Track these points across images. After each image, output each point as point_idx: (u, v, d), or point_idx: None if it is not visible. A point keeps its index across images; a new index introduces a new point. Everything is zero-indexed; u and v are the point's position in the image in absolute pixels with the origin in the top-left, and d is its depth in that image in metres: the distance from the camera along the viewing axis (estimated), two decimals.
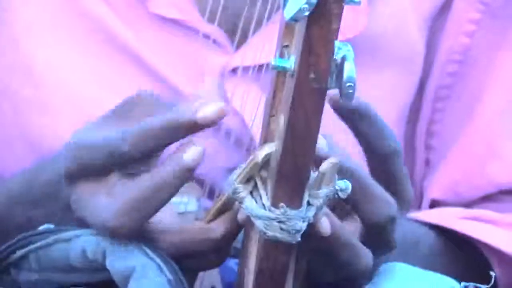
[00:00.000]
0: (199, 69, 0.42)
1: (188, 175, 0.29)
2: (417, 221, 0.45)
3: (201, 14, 0.43)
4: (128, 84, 0.39)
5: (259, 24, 0.43)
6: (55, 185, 0.34)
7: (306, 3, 0.25)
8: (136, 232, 0.30)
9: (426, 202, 0.49)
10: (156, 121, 0.29)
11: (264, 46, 0.32)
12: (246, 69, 0.41)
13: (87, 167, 0.30)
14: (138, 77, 0.41)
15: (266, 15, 0.41)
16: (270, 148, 0.30)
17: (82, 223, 0.31)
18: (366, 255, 0.31)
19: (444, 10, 0.47)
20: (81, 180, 0.30)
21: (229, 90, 0.41)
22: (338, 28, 0.27)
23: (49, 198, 0.36)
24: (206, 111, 0.28)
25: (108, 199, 0.29)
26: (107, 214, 0.29)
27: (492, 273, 0.36)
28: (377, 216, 0.32)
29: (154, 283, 0.30)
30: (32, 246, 0.31)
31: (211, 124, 0.29)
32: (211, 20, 0.43)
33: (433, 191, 0.48)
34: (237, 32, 0.43)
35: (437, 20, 0.47)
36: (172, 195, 0.29)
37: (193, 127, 0.29)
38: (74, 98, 0.40)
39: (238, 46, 0.44)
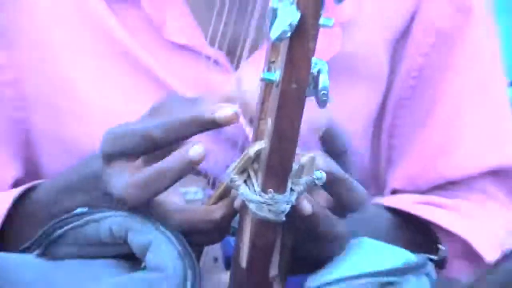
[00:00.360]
0: (204, 85, 0.47)
1: (190, 166, 0.35)
2: (379, 205, 0.51)
3: (205, 37, 0.49)
4: (148, 97, 0.45)
5: (254, 47, 0.48)
6: (93, 178, 0.40)
7: (289, 26, 0.31)
8: (143, 205, 0.36)
9: (387, 191, 0.55)
10: (184, 115, 0.35)
11: (258, 65, 0.38)
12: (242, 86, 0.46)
13: (121, 149, 0.36)
14: (156, 92, 0.46)
15: (260, 40, 0.47)
16: (260, 145, 0.35)
17: (112, 205, 0.38)
18: (339, 224, 0.37)
19: (404, 35, 0.52)
20: (114, 161, 0.36)
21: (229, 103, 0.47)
22: (315, 46, 0.32)
23: (88, 188, 0.41)
24: (224, 112, 0.34)
25: (128, 176, 0.35)
26: (122, 186, 0.35)
27: (441, 246, 0.42)
28: (352, 199, 0.38)
29: (166, 254, 0.36)
30: (69, 226, 0.38)
31: (226, 123, 0.35)
32: (212, 43, 0.48)
33: (393, 183, 0.55)
34: (235, 54, 0.49)
35: (399, 44, 0.53)
36: (174, 181, 0.35)
37: (212, 124, 0.34)
38: (103, 110, 0.46)
39: (237, 66, 0.49)
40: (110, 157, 0.37)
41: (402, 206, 0.52)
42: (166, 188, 0.35)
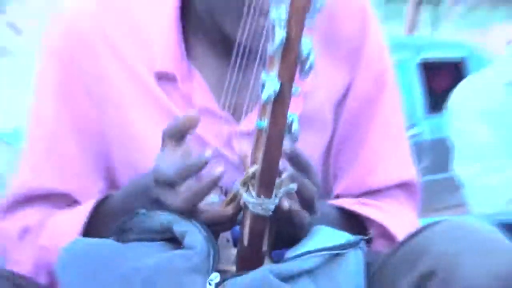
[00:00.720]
0: (216, 133, 0.66)
1: (217, 181, 0.54)
2: (330, 205, 0.71)
3: (217, 103, 0.67)
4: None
5: (249, 109, 0.66)
6: (145, 190, 0.59)
7: (273, 92, 0.49)
8: (189, 211, 0.55)
9: (333, 196, 0.75)
10: (201, 163, 0.55)
11: (253, 120, 0.55)
12: (243, 133, 0.66)
13: (167, 179, 0.55)
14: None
15: (252, 104, 0.65)
16: (255, 168, 0.52)
17: (159, 208, 0.57)
18: (306, 216, 0.57)
19: (343, 98, 0.72)
20: (163, 184, 0.56)
21: (235, 144, 0.66)
22: (289, 105, 0.50)
23: (142, 197, 0.60)
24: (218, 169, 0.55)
25: (177, 196, 0.55)
26: (175, 201, 0.55)
27: (370, 234, 0.63)
28: (313, 195, 0.57)
29: (197, 238, 0.55)
30: (133, 221, 0.58)
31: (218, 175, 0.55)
32: (223, 106, 0.67)
33: (337, 190, 0.74)
34: (237, 113, 0.67)
35: (339, 105, 0.72)
36: (208, 193, 0.55)
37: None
38: (157, 148, 0.60)
39: (238, 121, 0.68)
40: (159, 181, 0.57)
41: (344, 205, 0.72)
42: (202, 200, 0.55)
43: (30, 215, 0.69)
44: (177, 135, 0.57)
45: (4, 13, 8.05)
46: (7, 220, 0.70)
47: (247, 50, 0.62)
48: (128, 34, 0.68)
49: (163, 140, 0.57)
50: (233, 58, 0.62)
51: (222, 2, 0.63)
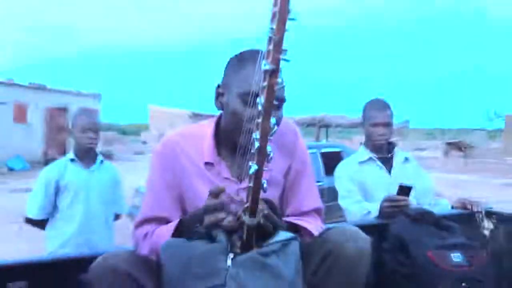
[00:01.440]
0: (231, 188, 1.30)
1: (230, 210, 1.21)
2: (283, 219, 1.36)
3: (230, 173, 1.33)
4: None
5: (245, 176, 1.26)
6: (199, 217, 1.22)
7: (254, 170, 1.14)
8: (218, 224, 1.20)
9: (285, 215, 1.40)
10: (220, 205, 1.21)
11: (247, 182, 1.25)
12: (242, 188, 1.28)
13: (211, 192, 1.20)
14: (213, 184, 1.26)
15: (247, 174, 1.33)
16: (247, 205, 1.17)
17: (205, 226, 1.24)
18: (271, 226, 1.20)
19: (288, 169, 1.40)
20: (209, 196, 1.21)
21: (239, 193, 1.29)
22: (262, 175, 1.15)
23: (198, 220, 1.23)
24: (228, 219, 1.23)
25: (213, 218, 1.20)
26: (212, 220, 1.20)
27: (302, 233, 1.32)
28: (274, 217, 1.26)
29: (222, 237, 1.19)
30: (194, 232, 1.24)
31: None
32: (233, 175, 1.32)
33: (286, 212, 1.40)
34: (240, 178, 1.32)
35: (287, 172, 1.39)
36: (226, 216, 1.21)
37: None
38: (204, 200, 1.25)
39: (241, 182, 1.33)
40: (206, 211, 1.21)
41: (290, 220, 1.37)
42: (224, 219, 1.20)
43: (148, 227, 1.36)
44: (215, 193, 1.21)
45: (139, 135, 32.56)
46: (138, 230, 1.37)
47: (244, 149, 1.24)
48: (192, 145, 1.36)
49: (209, 195, 1.22)
50: (237, 153, 1.28)
51: (234, 128, 1.30)
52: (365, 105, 2.51)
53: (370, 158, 2.49)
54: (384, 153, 2.50)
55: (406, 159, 2.53)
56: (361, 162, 2.49)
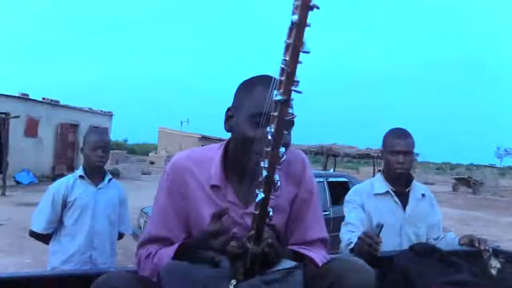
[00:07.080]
0: (236, 213, 1.30)
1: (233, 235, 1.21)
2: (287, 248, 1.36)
3: (237, 198, 1.32)
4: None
5: (252, 201, 1.25)
6: (204, 239, 1.21)
7: (261, 198, 1.13)
8: (222, 249, 1.20)
9: (289, 244, 1.39)
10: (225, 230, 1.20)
11: (253, 208, 1.24)
12: (247, 213, 1.27)
13: (215, 215, 1.20)
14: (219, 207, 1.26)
15: (254, 199, 1.26)
16: (252, 233, 1.18)
17: (208, 247, 1.22)
18: (274, 255, 1.21)
19: (295, 197, 1.39)
20: (212, 218, 1.20)
21: (244, 218, 1.29)
22: (268, 203, 1.14)
23: (202, 243, 1.22)
24: (232, 245, 1.22)
25: (217, 241, 1.19)
26: (216, 244, 1.19)
27: (306, 262, 1.31)
28: (277, 245, 1.26)
29: (225, 263, 1.19)
30: (198, 255, 1.24)
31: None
32: (239, 200, 1.32)
33: (290, 241, 1.39)
34: (246, 203, 1.31)
35: (293, 200, 1.38)
36: (230, 240, 1.21)
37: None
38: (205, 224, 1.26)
39: (246, 207, 1.32)
40: (209, 234, 1.21)
41: (294, 248, 1.36)
42: (228, 244, 1.20)
43: (151, 248, 1.36)
44: (218, 216, 1.22)
45: (147, 156, 36.10)
46: (141, 250, 1.38)
47: (252, 172, 1.26)
48: (200, 168, 1.36)
49: (211, 218, 1.24)
50: (245, 177, 1.31)
51: (241, 151, 1.31)
52: (385, 133, 2.40)
53: (387, 192, 2.38)
54: (401, 186, 2.39)
55: (423, 195, 2.42)
56: (377, 194, 2.38)
